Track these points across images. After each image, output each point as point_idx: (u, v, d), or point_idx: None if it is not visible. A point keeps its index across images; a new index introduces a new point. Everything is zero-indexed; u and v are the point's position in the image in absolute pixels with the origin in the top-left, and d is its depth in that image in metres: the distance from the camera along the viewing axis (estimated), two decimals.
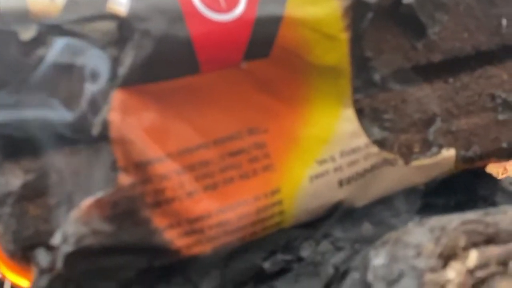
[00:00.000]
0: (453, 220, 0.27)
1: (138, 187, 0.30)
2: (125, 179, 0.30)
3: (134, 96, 0.30)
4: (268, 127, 0.33)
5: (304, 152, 0.34)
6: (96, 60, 0.28)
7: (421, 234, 0.27)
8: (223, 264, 0.33)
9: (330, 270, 0.32)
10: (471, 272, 0.27)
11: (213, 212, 0.32)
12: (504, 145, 0.40)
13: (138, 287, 0.31)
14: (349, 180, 0.35)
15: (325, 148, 0.35)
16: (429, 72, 0.38)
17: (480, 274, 0.27)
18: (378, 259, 0.27)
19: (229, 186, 0.32)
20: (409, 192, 0.38)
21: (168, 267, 0.32)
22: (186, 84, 0.31)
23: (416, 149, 0.38)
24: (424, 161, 0.37)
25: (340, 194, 0.35)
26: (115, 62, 0.30)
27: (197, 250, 0.32)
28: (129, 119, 0.30)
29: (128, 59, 0.30)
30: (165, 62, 0.30)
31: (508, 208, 0.28)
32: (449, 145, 0.38)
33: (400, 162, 0.37)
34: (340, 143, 0.35)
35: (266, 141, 0.33)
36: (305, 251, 0.34)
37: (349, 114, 0.35)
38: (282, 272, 0.34)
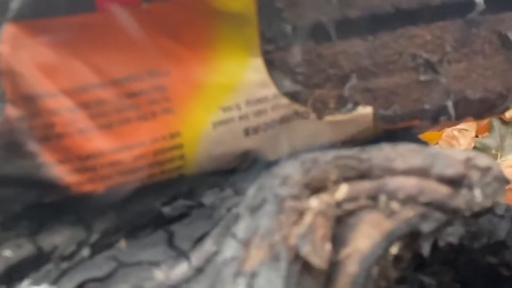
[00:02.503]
0: (328, 155, 0.27)
1: (26, 120, 0.30)
2: (12, 111, 0.30)
3: (26, 30, 0.30)
4: (170, 71, 0.33)
5: (207, 98, 0.34)
6: None
7: (291, 166, 0.27)
8: (120, 206, 0.33)
9: (222, 212, 0.32)
10: (338, 204, 0.27)
11: (106, 150, 0.32)
12: (427, 106, 0.39)
13: (27, 222, 0.31)
14: (256, 130, 0.35)
15: (230, 95, 0.35)
16: (345, 28, 0.38)
17: (348, 206, 0.27)
18: (250, 190, 0.27)
19: (125, 126, 0.32)
20: (325, 148, 0.38)
21: (60, 204, 0.32)
22: (83, 22, 0.31)
23: (332, 105, 0.38)
24: (339, 116, 0.37)
25: (246, 143, 0.35)
26: None
27: (88, 188, 0.32)
28: (19, 53, 0.30)
29: None
30: None
31: (385, 146, 0.28)
32: (367, 103, 0.38)
33: (313, 116, 0.37)
34: (246, 92, 0.35)
35: (167, 84, 0.33)
36: (208, 198, 0.34)
37: (257, 63, 0.35)
38: (181, 216, 0.33)
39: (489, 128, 1.32)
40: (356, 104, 0.38)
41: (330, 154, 0.27)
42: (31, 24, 0.30)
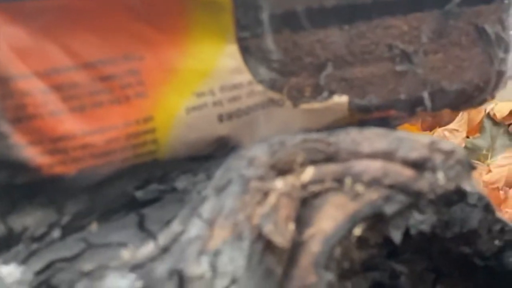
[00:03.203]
0: (296, 138, 0.27)
1: None
2: None
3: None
4: (144, 55, 0.33)
5: (181, 83, 0.34)
6: None
7: (258, 148, 0.27)
8: (93, 189, 0.33)
9: (193, 195, 0.32)
10: (304, 186, 0.27)
11: (78, 133, 0.32)
12: (403, 96, 0.40)
13: None
14: (230, 116, 0.35)
15: (204, 81, 0.35)
16: (322, 17, 0.38)
17: (314, 188, 0.27)
18: (217, 172, 0.27)
19: (97, 109, 0.33)
20: None
21: (32, 186, 0.32)
22: (58, 5, 0.32)
23: (307, 93, 0.38)
24: (314, 105, 0.37)
25: (220, 129, 0.35)
26: None
27: (60, 170, 0.32)
28: None
29: None
30: None
31: (352, 130, 0.28)
32: (343, 92, 0.38)
33: (288, 103, 0.37)
34: (221, 78, 0.35)
35: (141, 68, 0.33)
36: (181, 183, 0.34)
37: (232, 50, 0.35)
38: (153, 200, 0.34)
39: (480, 129, 1.32)
40: (331, 93, 0.38)
41: (298, 137, 0.28)
42: (5, 7, 0.30)
